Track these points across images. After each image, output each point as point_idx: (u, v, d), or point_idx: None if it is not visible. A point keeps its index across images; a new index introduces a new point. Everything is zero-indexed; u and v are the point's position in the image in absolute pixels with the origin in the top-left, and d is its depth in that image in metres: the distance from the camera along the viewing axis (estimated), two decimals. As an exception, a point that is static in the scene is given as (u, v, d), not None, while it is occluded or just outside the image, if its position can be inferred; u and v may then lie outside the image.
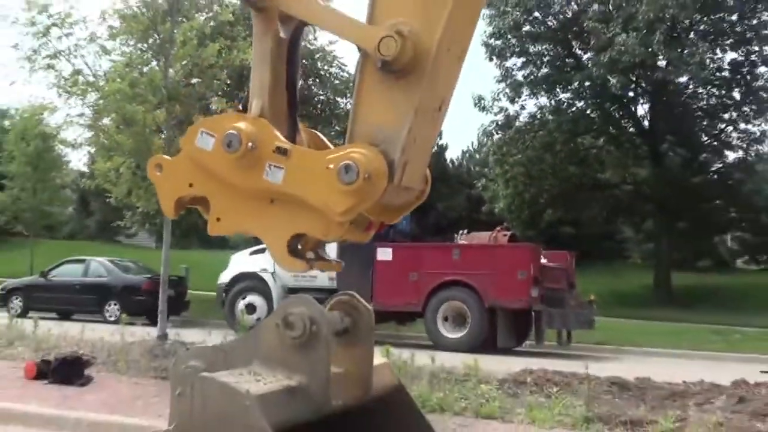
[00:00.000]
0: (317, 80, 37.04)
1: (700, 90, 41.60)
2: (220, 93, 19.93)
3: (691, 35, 39.69)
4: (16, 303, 28.89)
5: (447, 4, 4.45)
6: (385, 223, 5.14)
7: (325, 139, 5.33)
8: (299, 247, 4.78)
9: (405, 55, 4.41)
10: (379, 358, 5.33)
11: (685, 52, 37.42)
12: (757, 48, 40.45)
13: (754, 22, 39.91)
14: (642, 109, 44.08)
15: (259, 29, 5.06)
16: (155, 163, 5.10)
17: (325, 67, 37.48)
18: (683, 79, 40.00)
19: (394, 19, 4.53)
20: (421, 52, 4.45)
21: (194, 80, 17.16)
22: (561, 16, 42.73)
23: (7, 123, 54.09)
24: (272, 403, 4.17)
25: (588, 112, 43.05)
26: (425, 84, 4.47)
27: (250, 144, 4.61)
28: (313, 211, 4.57)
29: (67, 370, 11.01)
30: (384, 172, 4.41)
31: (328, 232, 4.62)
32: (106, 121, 16.51)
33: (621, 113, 43.75)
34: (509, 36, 41.44)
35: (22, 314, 25.21)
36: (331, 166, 4.43)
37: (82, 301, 28.05)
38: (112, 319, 25.81)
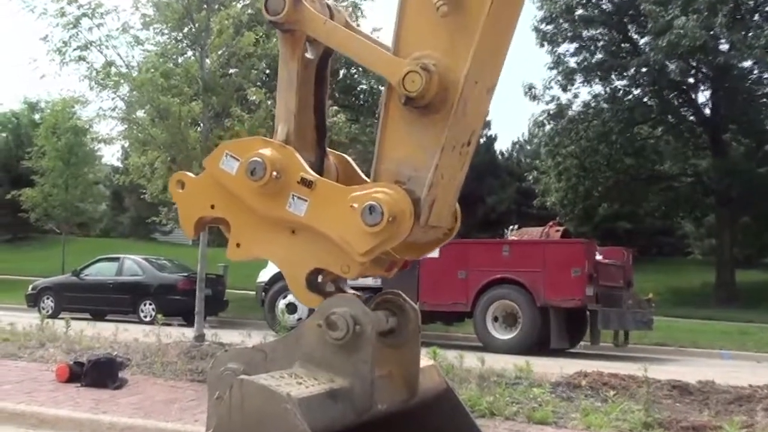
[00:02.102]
0: (359, 69, 37.06)
1: (766, 75, 41.04)
2: (258, 83, 20.00)
3: (756, 17, 39.19)
4: (48, 303, 29.25)
5: (474, 35, 4.41)
6: (409, 262, 5.14)
7: (354, 165, 5.34)
8: (319, 279, 4.81)
9: (430, 91, 4.41)
10: (426, 359, 5.32)
11: (750, 34, 36.95)
12: (827, 30, 39.86)
13: (824, 2, 39.33)
14: (703, 96, 43.64)
15: (286, 51, 5.07)
16: (177, 179, 5.15)
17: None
18: (747, 63, 39.46)
19: (419, 51, 4.52)
20: (447, 87, 4.44)
21: (231, 70, 17.24)
22: (616, -1, 42.42)
23: (37, 117, 54.79)
24: (314, 407, 4.17)
25: (645, 100, 42.65)
26: (452, 120, 4.45)
27: (274, 173, 4.66)
28: (334, 247, 4.61)
29: (100, 373, 11.08)
30: (409, 214, 4.42)
31: (348, 269, 4.66)
32: (139, 113, 16.62)
33: (680, 101, 43.29)
34: (561, 20, 41.21)
35: (54, 315, 25.45)
36: (355, 205, 4.46)
37: (115, 300, 28.31)
38: (147, 319, 26.07)
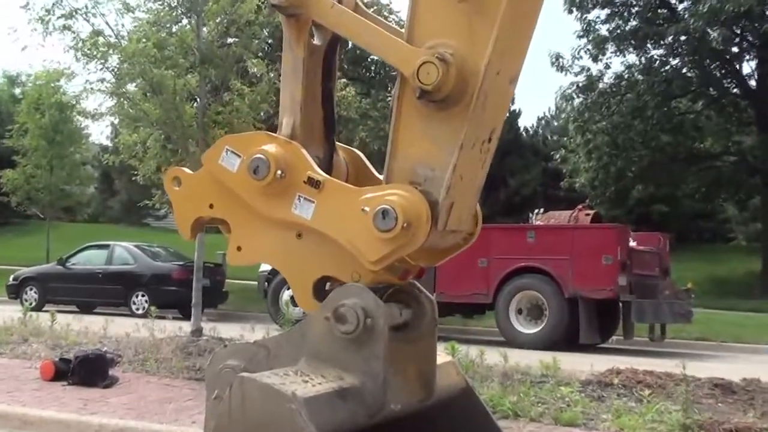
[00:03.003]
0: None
1: (818, 43, 40.87)
2: (260, 54, 19.99)
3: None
4: (31, 294, 29.41)
5: (494, 20, 4.34)
6: (425, 269, 5.12)
7: (366, 161, 5.32)
8: (327, 287, 4.81)
9: (448, 83, 4.36)
10: (443, 355, 5.32)
11: (800, -1, 36.77)
12: None
13: None
14: (748, 66, 43.58)
15: (291, 37, 5.04)
16: (173, 175, 5.14)
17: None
18: (797, 30, 39.29)
19: (435, 39, 4.47)
20: (466, 79, 4.38)
21: (230, 40, 17.23)
22: (652, -40, 42.27)
23: (18, 91, 54.89)
24: (321, 407, 4.17)
25: (684, 71, 42.53)
26: (472, 115, 4.40)
27: (279, 172, 4.64)
28: (343, 253, 4.59)
29: (88, 370, 11.13)
30: (426, 219, 4.39)
31: (359, 278, 4.64)
32: (130, 87, 16.64)
33: (723, 72, 43.15)
34: (592, -17, 41.12)
35: (38, 307, 25.60)
36: (367, 209, 4.43)
37: (105, 291, 28.47)
38: (140, 312, 26.11)
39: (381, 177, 4.83)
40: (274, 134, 4.90)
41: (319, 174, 4.68)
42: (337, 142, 5.23)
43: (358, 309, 4.43)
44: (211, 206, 5.02)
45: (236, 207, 4.90)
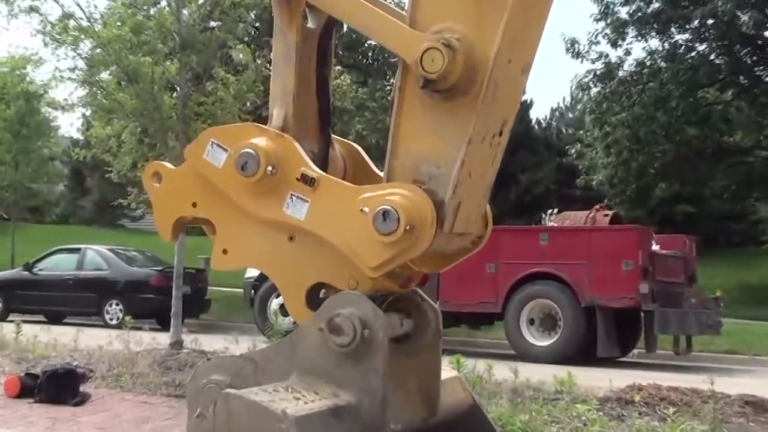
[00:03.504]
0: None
1: None
2: (246, 39, 20.00)
3: None
4: (-5, 303, 29.32)
5: (505, 5, 4.34)
6: (429, 275, 5.10)
7: (365, 156, 5.32)
8: (321, 295, 4.80)
9: (454, 72, 4.36)
10: (448, 370, 5.32)
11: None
12: None
13: None
14: (782, 52, 43.48)
15: (282, 20, 5.03)
16: (153, 171, 5.14)
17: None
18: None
19: (440, 23, 4.46)
20: (474, 67, 4.38)
21: (213, 24, 17.22)
22: (676, -64, 42.24)
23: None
24: (314, 427, 4.17)
25: (711, 57, 42.49)
26: (481, 106, 4.40)
27: (269, 168, 4.65)
28: (340, 258, 4.59)
29: (57, 387, 11.11)
30: (430, 221, 4.38)
31: (356, 284, 4.64)
32: (104, 75, 16.62)
33: (755, 58, 43.13)
34: (609, -39, 41.11)
35: (2, 317, 25.63)
36: (366, 209, 4.43)
37: (75, 300, 28.38)
38: (114, 322, 26.09)
39: (381, 174, 4.82)
40: (264, 126, 4.89)
41: (314, 170, 4.67)
42: (333, 135, 5.22)
43: (354, 319, 4.42)
44: (194, 205, 5.01)
45: (222, 206, 4.90)
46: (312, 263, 4.74)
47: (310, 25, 5.09)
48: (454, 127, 4.44)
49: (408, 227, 4.31)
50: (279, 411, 4.08)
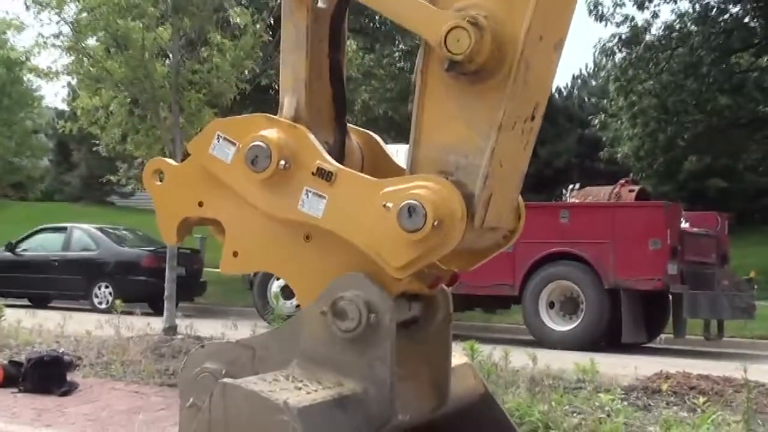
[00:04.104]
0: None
1: None
2: (243, 2, 19.97)
3: None
4: (-25, 286, 29.37)
5: None
6: (458, 275, 5.06)
7: (383, 146, 5.27)
8: None
9: (482, 52, 4.28)
10: (459, 356, 5.32)
11: None
12: None
13: None
14: (822, 15, 43.33)
15: (292, 3, 4.95)
16: (154, 168, 5.10)
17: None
18: None
19: (464, 0, 4.39)
20: (503, 47, 4.31)
21: (208, -16, 17.21)
22: None
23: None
24: (317, 418, 4.17)
25: (746, 20, 42.39)
26: (511, 89, 4.33)
27: (282, 162, 4.58)
28: (361, 258, 4.53)
29: (43, 375, 11.16)
30: (461, 216, 4.31)
31: (382, 285, 4.57)
32: (91, 42, 16.63)
33: (793, 21, 43.05)
34: None
35: (-16, 301, 25.63)
36: (390, 204, 4.35)
37: (62, 282, 28.44)
38: (103, 306, 26.20)
39: (402, 165, 4.78)
40: (274, 117, 4.84)
41: (331, 163, 4.61)
42: (348, 125, 5.17)
43: (360, 303, 4.41)
44: (200, 204, 4.97)
45: (231, 205, 4.85)
46: (330, 265, 4.66)
47: (320, 4, 5.02)
48: (483, 113, 4.37)
49: (436, 223, 4.22)
50: (280, 402, 4.07)
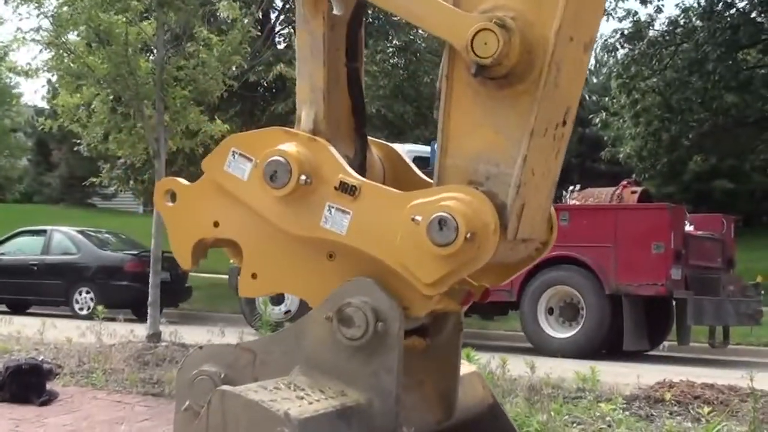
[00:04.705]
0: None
1: None
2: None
3: None
4: (-50, 291, 29.32)
5: None
6: (489, 290, 5.02)
7: (405, 158, 5.23)
8: None
9: (511, 54, 4.27)
10: (467, 365, 5.30)
11: None
12: None
13: None
14: (832, 9, 43.40)
15: (306, 9, 4.94)
16: (165, 188, 5.06)
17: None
18: None
19: (490, 2, 4.39)
20: (532, 49, 4.31)
21: (194, -23, 17.20)
22: None
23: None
24: (320, 430, 4.14)
25: (753, 15, 42.42)
26: (542, 93, 4.33)
27: (303, 177, 4.54)
28: (390, 276, 4.49)
29: (21, 384, 11.13)
30: (494, 228, 4.30)
31: (410, 305, 4.54)
32: (72, 36, 16.61)
33: (801, 17, 43.10)
34: None
35: (-40, 307, 25.61)
36: (419, 218, 4.32)
37: (41, 287, 28.38)
38: (84, 312, 26.15)
39: (424, 177, 4.74)
40: (292, 130, 4.79)
41: (354, 177, 4.59)
42: (368, 137, 5.13)
43: (367, 310, 4.38)
44: (216, 224, 4.92)
45: (249, 224, 4.82)
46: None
47: (336, 12, 4.98)
48: (513, 119, 4.36)
49: (468, 236, 4.21)
50: (281, 413, 4.05)
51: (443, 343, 4.93)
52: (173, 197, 5.01)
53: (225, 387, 4.28)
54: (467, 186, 4.38)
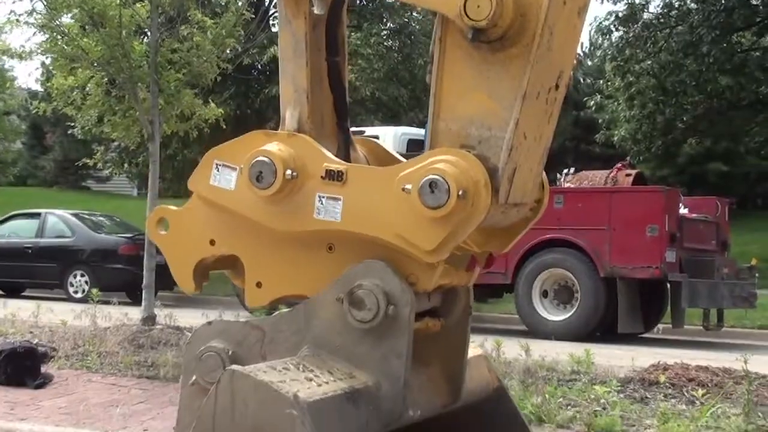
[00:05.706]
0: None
1: None
2: (225, -24, 19.88)
3: None
4: (-56, 275, 29.30)
5: None
6: (494, 257, 5.00)
7: (389, 149, 5.22)
8: None
9: (504, 17, 4.26)
10: (474, 348, 5.27)
11: None
12: None
13: None
14: (826, -9, 43.32)
15: (287, 9, 4.95)
16: (157, 218, 5.04)
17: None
18: None
19: None
20: (525, 12, 4.31)
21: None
22: None
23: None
24: (329, 414, 4.11)
25: (747, -3, 42.40)
26: (535, 56, 4.33)
27: (288, 172, 4.53)
28: (391, 254, 4.48)
29: (16, 367, 11.13)
30: (485, 185, 4.30)
31: (416, 280, 4.52)
32: (66, 19, 16.57)
33: (796, -1, 43.02)
34: None
35: (-46, 290, 25.59)
36: (409, 186, 4.32)
37: (36, 270, 28.43)
38: (79, 295, 26.23)
39: (389, 148, 4.72)
40: (271, 131, 4.78)
41: (338, 162, 4.59)
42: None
43: (378, 293, 4.35)
44: (212, 243, 4.91)
45: (244, 234, 4.80)
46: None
47: (317, 11, 4.95)
48: (506, 83, 4.36)
49: (461, 193, 4.20)
50: (290, 395, 4.04)
51: (452, 326, 4.92)
52: (165, 225, 4.98)
53: (234, 367, 4.25)
54: (459, 149, 4.38)
